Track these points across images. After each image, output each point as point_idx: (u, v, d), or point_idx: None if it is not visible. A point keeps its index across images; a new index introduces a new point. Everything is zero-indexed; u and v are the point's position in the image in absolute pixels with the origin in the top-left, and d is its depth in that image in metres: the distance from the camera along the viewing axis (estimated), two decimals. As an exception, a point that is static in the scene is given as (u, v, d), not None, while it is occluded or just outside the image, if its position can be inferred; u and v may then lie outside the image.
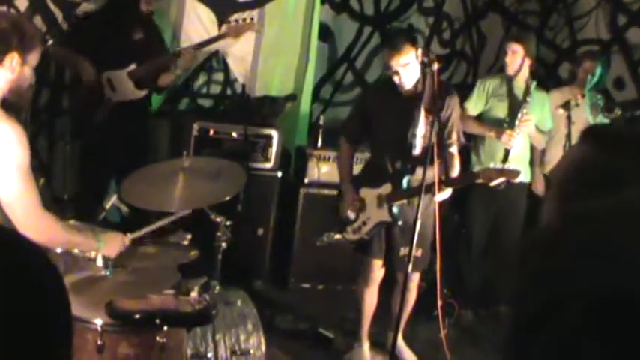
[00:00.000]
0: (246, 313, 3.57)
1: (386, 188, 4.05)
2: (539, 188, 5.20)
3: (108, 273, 2.83)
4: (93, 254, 2.80)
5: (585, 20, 6.30)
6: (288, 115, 5.70)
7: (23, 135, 2.45)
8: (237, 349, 3.40)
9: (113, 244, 2.83)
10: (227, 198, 3.23)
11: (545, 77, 6.27)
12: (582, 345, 0.68)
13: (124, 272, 2.89)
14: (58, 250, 2.78)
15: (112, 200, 3.14)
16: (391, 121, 4.04)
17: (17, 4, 4.86)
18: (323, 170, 5.37)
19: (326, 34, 6.09)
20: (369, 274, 4.20)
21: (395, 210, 4.04)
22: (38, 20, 4.91)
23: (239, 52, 5.61)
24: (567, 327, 0.69)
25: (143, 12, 4.75)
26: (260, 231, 5.23)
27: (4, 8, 4.76)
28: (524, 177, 4.92)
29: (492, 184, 3.89)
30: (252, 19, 4.98)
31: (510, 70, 4.89)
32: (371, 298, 4.27)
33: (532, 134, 4.89)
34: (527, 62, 4.87)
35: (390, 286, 4.32)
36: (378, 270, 4.19)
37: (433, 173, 3.67)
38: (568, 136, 4.72)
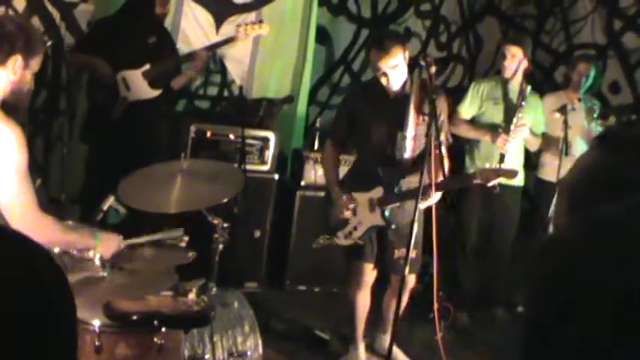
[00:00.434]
0: (243, 314, 3.58)
1: (377, 192, 4.02)
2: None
3: (106, 274, 2.83)
4: (91, 254, 2.80)
5: (581, 24, 6.33)
6: (285, 118, 5.71)
7: (22, 136, 2.46)
8: (235, 350, 3.40)
9: (109, 244, 2.83)
10: (225, 200, 3.24)
11: (542, 81, 6.30)
12: (607, 342, 0.68)
13: (121, 273, 2.89)
14: (56, 251, 2.78)
15: (110, 201, 3.15)
16: (380, 124, 4.01)
17: (15, 4, 4.87)
18: (320, 173, 5.35)
19: (323, 36, 6.11)
20: (361, 278, 4.18)
21: (387, 213, 4.04)
22: (36, 21, 4.92)
23: (237, 54, 5.61)
24: (591, 324, 0.70)
25: (157, 15, 4.81)
26: (257, 233, 5.24)
27: (2, 9, 4.77)
28: (518, 181, 4.95)
29: (490, 184, 3.89)
30: (260, 21, 4.99)
31: (508, 73, 4.89)
32: (364, 302, 4.26)
33: (526, 138, 4.90)
34: (524, 65, 4.89)
35: (382, 288, 4.32)
36: (369, 273, 4.18)
37: (427, 175, 3.64)
38: (564, 140, 4.73)
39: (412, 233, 3.56)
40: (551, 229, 4.71)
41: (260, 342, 3.52)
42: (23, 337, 0.84)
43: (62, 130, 5.06)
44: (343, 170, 4.40)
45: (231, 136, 5.06)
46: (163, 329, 2.67)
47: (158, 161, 3.54)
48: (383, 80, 3.91)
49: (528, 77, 4.98)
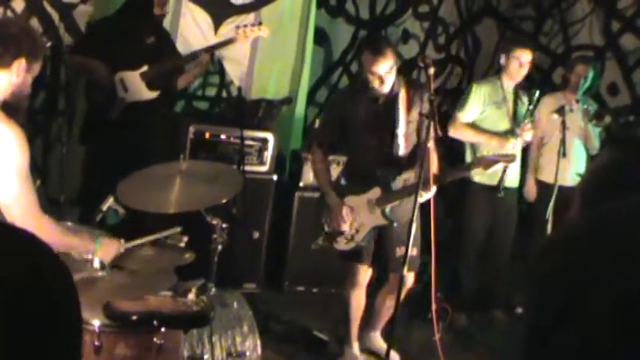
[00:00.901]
0: (242, 315, 3.58)
1: (374, 192, 4.04)
2: (531, 194, 5.19)
3: (105, 274, 2.84)
4: (90, 256, 2.81)
5: (579, 26, 6.34)
6: (284, 119, 5.72)
7: (23, 137, 2.47)
8: (233, 351, 3.41)
9: (109, 249, 2.83)
10: (223, 201, 3.25)
11: (540, 83, 6.31)
12: (607, 342, 0.69)
13: (121, 274, 2.89)
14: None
15: (109, 202, 3.15)
16: (373, 125, 4.03)
17: (14, 5, 4.87)
18: (319, 173, 5.37)
19: (321, 37, 6.12)
20: (357, 278, 4.20)
21: (387, 211, 4.05)
22: (35, 22, 4.92)
23: (235, 55, 5.61)
24: (591, 324, 0.70)
25: (156, 16, 4.81)
26: (255, 234, 5.23)
27: (0, 10, 4.77)
28: (515, 182, 4.96)
29: (490, 170, 3.98)
30: (260, 23, 4.99)
31: (519, 78, 4.83)
32: (359, 301, 4.27)
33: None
34: None
35: (376, 286, 4.34)
36: (366, 273, 4.20)
37: (423, 170, 3.64)
38: (563, 141, 4.73)
39: (411, 231, 3.58)
40: (549, 230, 4.72)
41: (259, 342, 3.53)
42: (24, 336, 0.84)
43: (61, 131, 5.04)
44: (336, 172, 4.44)
45: (230, 137, 5.07)
46: (163, 329, 2.68)
47: (157, 162, 3.54)
48: (376, 83, 3.92)
49: (527, 79, 4.98)
